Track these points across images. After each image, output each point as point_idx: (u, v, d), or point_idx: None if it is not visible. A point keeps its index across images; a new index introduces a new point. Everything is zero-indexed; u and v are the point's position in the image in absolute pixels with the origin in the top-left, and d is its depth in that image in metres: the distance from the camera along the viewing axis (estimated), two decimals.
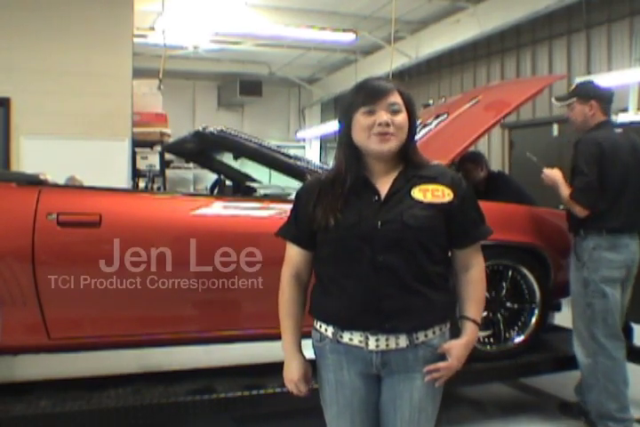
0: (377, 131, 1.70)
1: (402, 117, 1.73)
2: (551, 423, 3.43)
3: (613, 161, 3.09)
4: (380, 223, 1.70)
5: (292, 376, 1.83)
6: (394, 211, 1.72)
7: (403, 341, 1.73)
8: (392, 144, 1.72)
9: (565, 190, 3.16)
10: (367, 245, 1.70)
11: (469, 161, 4.17)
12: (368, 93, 1.73)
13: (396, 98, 1.73)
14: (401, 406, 1.77)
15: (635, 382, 3.21)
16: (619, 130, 3.31)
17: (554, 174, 3.26)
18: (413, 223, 1.70)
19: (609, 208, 3.09)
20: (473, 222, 1.83)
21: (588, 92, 3.25)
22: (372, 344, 1.73)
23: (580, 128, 3.29)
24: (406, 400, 1.76)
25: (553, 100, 3.43)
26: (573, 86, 3.41)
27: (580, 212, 3.10)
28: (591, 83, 3.38)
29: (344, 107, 1.79)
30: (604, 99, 3.23)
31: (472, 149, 3.92)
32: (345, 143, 1.79)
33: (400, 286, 1.70)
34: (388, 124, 1.70)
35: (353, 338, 1.75)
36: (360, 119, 1.73)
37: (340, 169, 1.79)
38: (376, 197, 1.75)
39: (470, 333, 1.81)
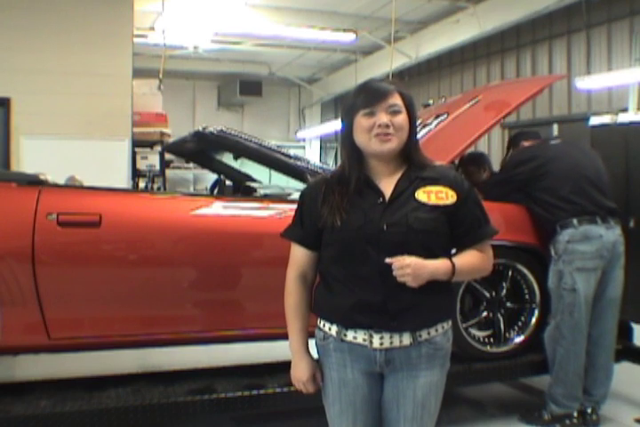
0: (377, 132, 1.72)
1: (401, 118, 1.74)
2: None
3: (549, 159, 3.28)
4: (385, 226, 1.71)
5: (301, 376, 1.84)
6: (398, 213, 1.73)
7: (406, 338, 1.74)
8: (392, 144, 1.74)
9: None
10: (372, 247, 1.71)
11: (471, 163, 4.14)
12: (368, 95, 1.75)
13: (395, 99, 1.75)
14: (404, 404, 1.78)
15: (635, 383, 3.20)
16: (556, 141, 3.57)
17: None
18: (418, 226, 1.71)
19: (558, 201, 3.21)
20: (477, 222, 1.83)
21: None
22: (376, 342, 1.74)
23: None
24: (409, 398, 1.77)
25: None
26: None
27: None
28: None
29: (345, 108, 1.80)
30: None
31: (473, 149, 3.93)
32: (347, 144, 1.80)
33: (404, 288, 1.70)
34: (387, 126, 1.72)
35: (357, 336, 1.76)
36: (361, 121, 1.74)
37: (345, 169, 1.80)
38: (380, 199, 1.76)
39: (441, 262, 1.71)
